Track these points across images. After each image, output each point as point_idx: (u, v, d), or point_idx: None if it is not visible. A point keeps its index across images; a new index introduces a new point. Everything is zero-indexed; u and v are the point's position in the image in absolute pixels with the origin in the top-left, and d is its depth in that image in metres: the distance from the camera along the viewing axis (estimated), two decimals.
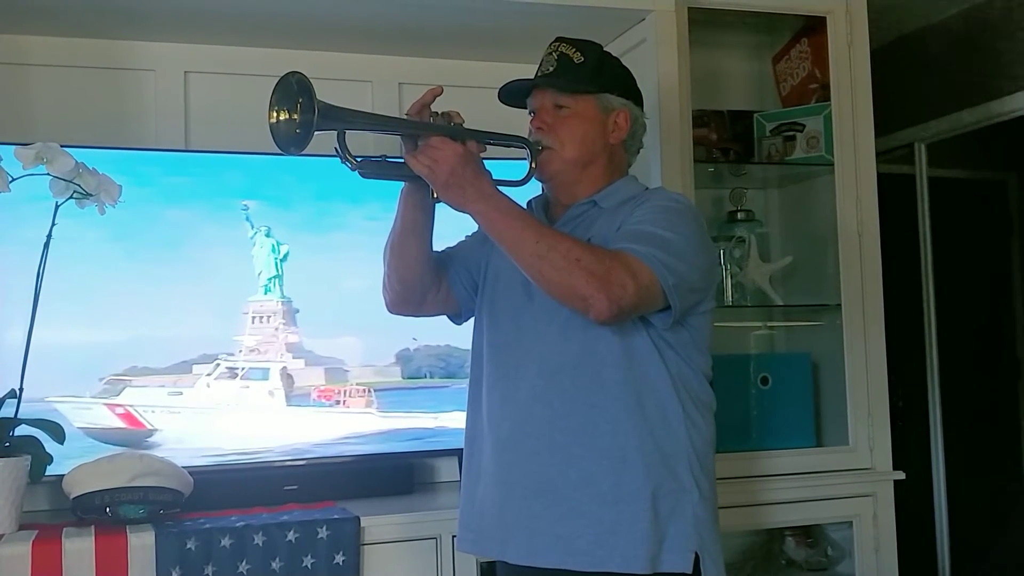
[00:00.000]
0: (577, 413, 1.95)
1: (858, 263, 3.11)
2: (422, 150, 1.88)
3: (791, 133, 3.25)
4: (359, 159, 1.91)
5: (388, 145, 2.05)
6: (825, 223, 3.20)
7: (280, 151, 1.80)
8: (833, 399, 3.18)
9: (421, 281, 2.14)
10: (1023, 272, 5.12)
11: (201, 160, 2.88)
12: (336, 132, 1.86)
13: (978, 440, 4.56)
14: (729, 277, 3.20)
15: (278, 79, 1.79)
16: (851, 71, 3.15)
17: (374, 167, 1.94)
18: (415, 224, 2.07)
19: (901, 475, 3.10)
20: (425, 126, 1.91)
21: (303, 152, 1.79)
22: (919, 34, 4.09)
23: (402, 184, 2.04)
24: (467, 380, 2.21)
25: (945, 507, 4.21)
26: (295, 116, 1.77)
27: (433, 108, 1.93)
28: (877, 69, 3.20)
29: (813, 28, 3.25)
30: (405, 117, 1.94)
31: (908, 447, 3.56)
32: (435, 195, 1.92)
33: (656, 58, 2.89)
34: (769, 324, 3.46)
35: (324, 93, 1.80)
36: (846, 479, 3.06)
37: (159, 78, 3.03)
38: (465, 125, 1.95)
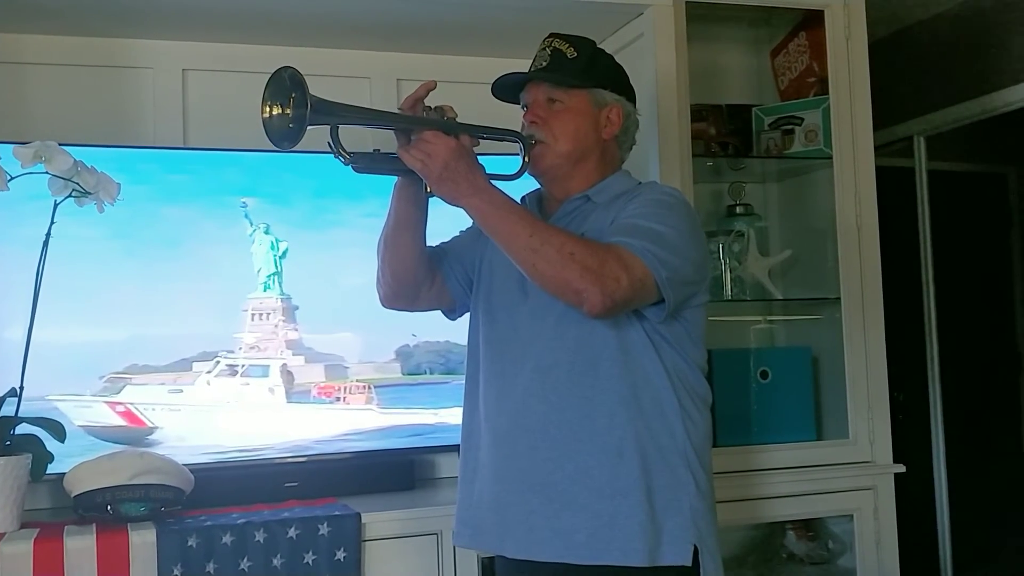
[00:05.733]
0: (573, 407, 1.95)
1: (857, 257, 3.11)
2: (415, 144, 1.87)
3: (789, 127, 3.24)
4: (351, 153, 1.91)
5: (382, 139, 2.05)
6: (824, 217, 3.19)
7: (273, 146, 1.80)
8: (833, 393, 3.18)
9: (414, 276, 2.14)
10: None
11: (200, 158, 2.89)
12: (329, 127, 1.86)
13: (979, 433, 4.57)
14: (728, 271, 3.19)
15: (271, 74, 1.79)
16: (849, 64, 3.15)
17: (367, 161, 1.94)
18: (408, 218, 2.07)
19: (901, 468, 3.09)
20: (418, 120, 1.91)
21: (297, 148, 1.80)
22: (918, 27, 4.09)
23: (396, 178, 2.04)
24: None
25: (946, 500, 4.21)
26: (288, 111, 1.77)
27: (427, 102, 1.93)
28: (875, 62, 3.19)
29: (811, 21, 3.24)
30: (398, 111, 1.94)
31: (909, 441, 3.56)
32: (428, 189, 1.92)
33: (654, 53, 2.90)
34: (768, 318, 3.46)
35: (322, 89, 1.81)
36: (846, 472, 3.06)
37: (157, 76, 3.03)
38: (459, 120, 1.95)
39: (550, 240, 1.84)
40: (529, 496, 1.96)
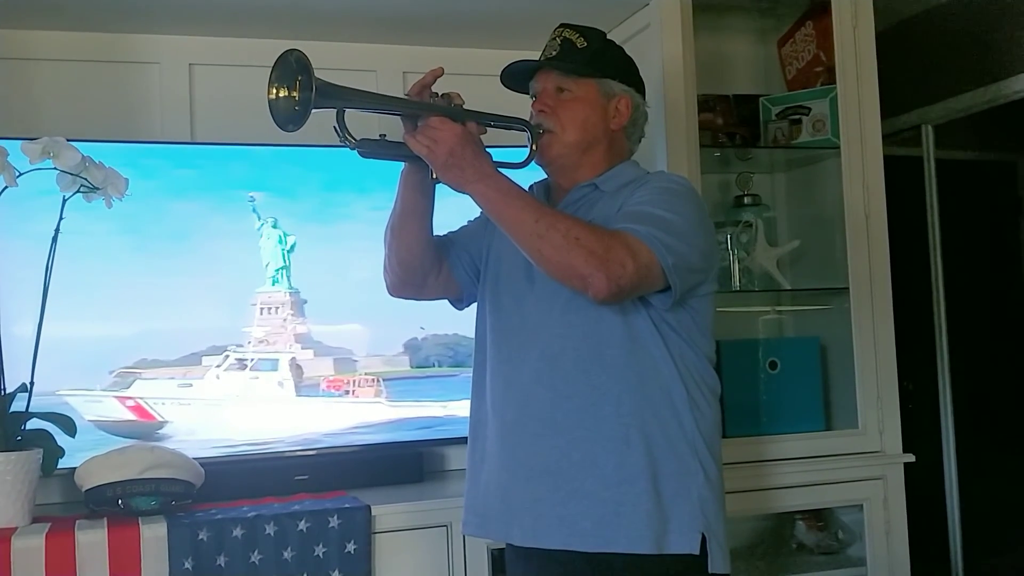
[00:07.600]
0: (579, 395, 1.94)
1: (865, 246, 3.10)
2: (421, 130, 1.87)
3: (797, 117, 3.23)
4: (357, 139, 1.90)
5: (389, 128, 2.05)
6: (832, 206, 3.19)
7: (278, 128, 1.79)
8: (842, 383, 3.17)
9: (421, 264, 2.14)
10: None
11: (207, 152, 2.90)
12: (335, 111, 1.86)
13: (989, 423, 4.55)
14: (736, 262, 3.18)
15: (278, 56, 1.80)
16: (856, 53, 3.13)
17: (373, 146, 1.93)
18: (415, 206, 2.06)
19: (911, 458, 3.08)
20: (425, 106, 1.90)
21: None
22: (925, 15, 4.07)
23: (402, 166, 2.04)
24: None
25: (956, 490, 4.19)
26: (294, 93, 1.77)
27: (434, 89, 1.93)
28: (883, 51, 3.18)
29: (818, 11, 3.23)
30: (405, 97, 1.94)
31: (918, 430, 3.54)
32: (435, 176, 1.91)
33: (661, 43, 2.90)
34: (777, 308, 3.45)
35: None
36: (856, 462, 3.05)
37: (164, 71, 3.05)
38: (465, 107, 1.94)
39: (556, 225, 1.83)
40: (535, 484, 1.96)
